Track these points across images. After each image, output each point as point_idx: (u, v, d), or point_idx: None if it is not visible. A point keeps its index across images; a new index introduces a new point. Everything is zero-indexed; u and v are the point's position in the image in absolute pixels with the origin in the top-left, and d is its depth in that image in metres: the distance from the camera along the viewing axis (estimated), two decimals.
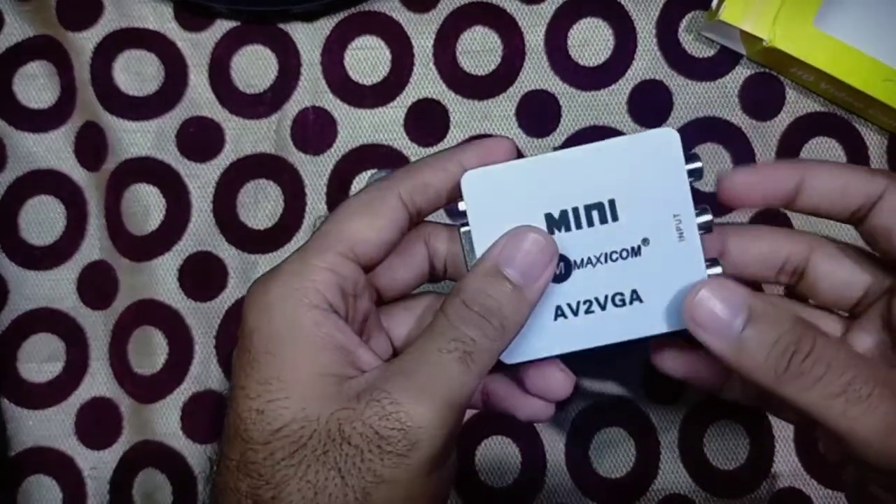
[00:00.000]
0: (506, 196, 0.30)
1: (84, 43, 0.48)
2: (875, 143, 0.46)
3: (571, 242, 0.30)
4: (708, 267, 0.30)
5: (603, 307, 0.30)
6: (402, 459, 0.26)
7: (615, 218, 0.30)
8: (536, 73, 0.47)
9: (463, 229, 0.30)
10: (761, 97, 0.47)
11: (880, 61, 0.43)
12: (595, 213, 0.30)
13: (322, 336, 0.28)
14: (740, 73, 0.47)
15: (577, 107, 0.47)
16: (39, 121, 0.48)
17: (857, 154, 0.46)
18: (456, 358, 0.27)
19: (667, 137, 0.30)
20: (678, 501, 0.45)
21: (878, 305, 0.31)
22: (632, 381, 0.45)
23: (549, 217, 0.30)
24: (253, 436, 0.27)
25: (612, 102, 0.47)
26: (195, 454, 0.46)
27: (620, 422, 0.45)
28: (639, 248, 0.30)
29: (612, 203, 0.30)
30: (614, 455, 0.45)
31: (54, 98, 0.48)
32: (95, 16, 0.48)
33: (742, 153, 0.46)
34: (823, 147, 0.46)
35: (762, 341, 0.27)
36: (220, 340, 0.46)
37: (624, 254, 0.30)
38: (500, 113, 0.47)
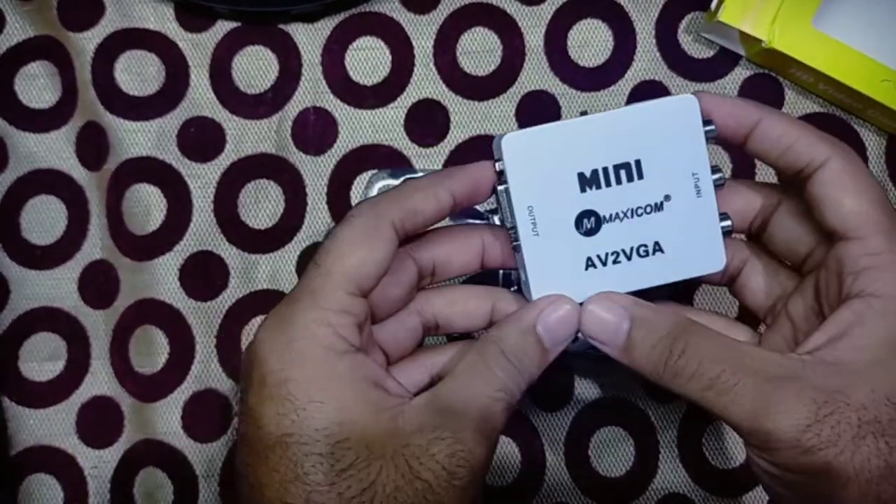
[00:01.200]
0: (541, 157, 0.32)
1: (85, 43, 0.48)
2: (874, 143, 0.47)
3: (601, 199, 0.32)
4: (721, 220, 0.33)
5: (629, 258, 0.33)
6: (465, 493, 0.29)
7: (641, 176, 0.32)
8: (536, 74, 0.47)
9: (500, 187, 0.33)
10: (760, 98, 0.47)
11: (879, 62, 0.44)
12: (623, 172, 0.32)
13: (361, 378, 0.30)
14: (739, 74, 0.47)
15: (577, 107, 0.47)
16: (41, 121, 0.48)
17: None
18: (503, 408, 0.30)
19: (687, 102, 0.32)
20: (677, 500, 0.45)
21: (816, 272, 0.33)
22: (631, 380, 0.46)
23: (580, 176, 0.32)
24: (316, 479, 0.28)
25: (611, 103, 0.47)
26: (196, 453, 0.46)
27: (620, 421, 0.46)
28: (661, 203, 0.32)
29: (637, 163, 0.32)
30: (613, 454, 0.45)
31: (55, 98, 0.48)
32: (96, 16, 0.48)
33: (742, 153, 0.46)
34: None
35: (644, 344, 0.31)
36: (221, 340, 0.46)
37: (648, 209, 0.32)
38: (500, 113, 0.47)
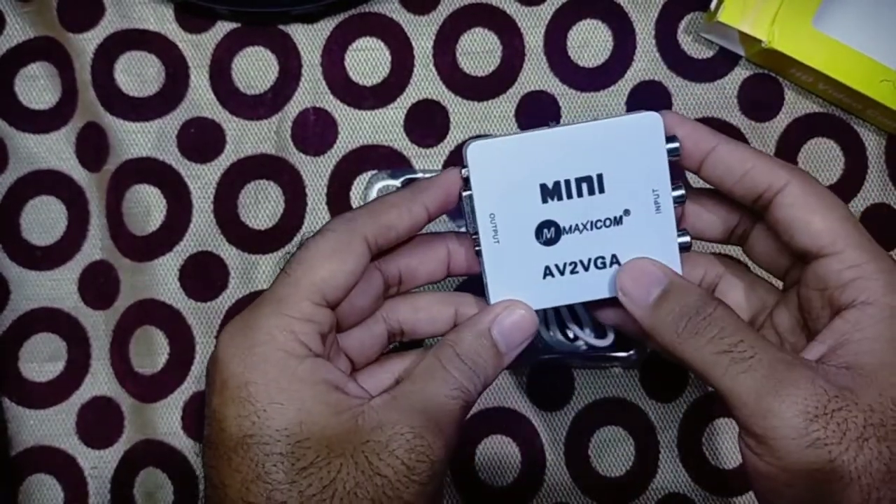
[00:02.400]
0: (505, 166, 0.33)
1: (85, 44, 0.48)
2: (873, 143, 0.47)
3: (562, 210, 0.33)
4: (679, 237, 0.33)
5: (587, 269, 0.34)
6: (424, 488, 0.29)
7: (602, 190, 0.33)
8: (536, 74, 0.47)
9: (465, 193, 0.33)
10: (760, 98, 0.47)
11: (878, 62, 0.44)
12: (584, 185, 0.33)
13: (321, 381, 0.30)
14: (739, 74, 0.47)
15: (577, 108, 0.47)
16: (41, 122, 0.48)
17: (855, 154, 0.46)
18: (459, 406, 0.31)
19: (651, 120, 0.33)
20: (677, 500, 0.45)
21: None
22: (631, 380, 0.46)
23: (543, 187, 0.33)
24: (277, 478, 0.29)
25: (611, 103, 0.47)
26: (196, 453, 0.46)
27: (620, 421, 0.46)
28: (621, 217, 0.33)
29: (599, 177, 0.33)
30: (614, 454, 0.45)
31: (55, 99, 0.48)
32: (96, 17, 0.48)
33: None
34: (822, 148, 0.47)
35: (670, 307, 0.31)
36: None
37: (608, 222, 0.33)
38: (499, 114, 0.47)
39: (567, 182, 0.33)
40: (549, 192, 0.33)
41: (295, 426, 0.29)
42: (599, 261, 0.34)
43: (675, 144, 0.33)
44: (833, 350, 0.30)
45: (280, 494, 0.28)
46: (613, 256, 0.33)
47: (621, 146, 0.33)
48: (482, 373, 0.32)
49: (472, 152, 0.33)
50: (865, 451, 0.28)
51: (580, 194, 0.33)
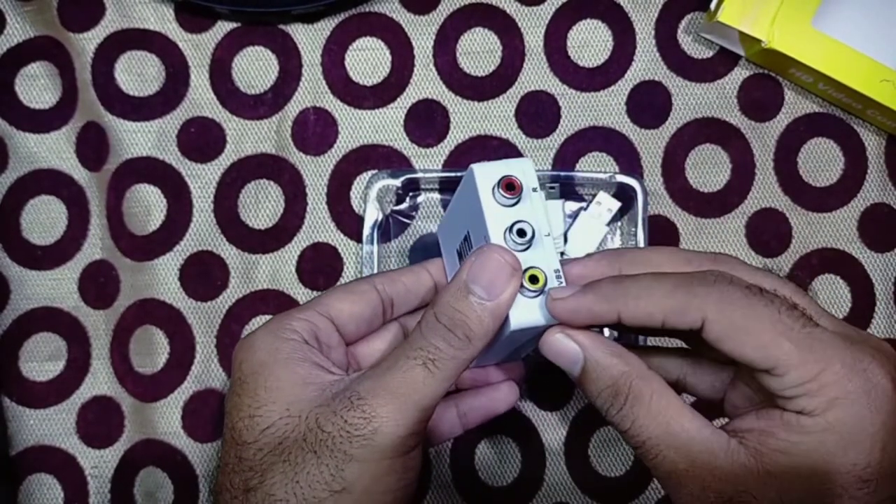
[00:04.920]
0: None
1: (85, 44, 0.48)
2: (873, 143, 0.47)
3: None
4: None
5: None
6: (368, 441, 0.30)
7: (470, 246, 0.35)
8: (536, 74, 0.47)
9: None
10: (760, 98, 0.47)
11: (878, 62, 0.44)
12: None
13: (299, 355, 0.33)
14: (739, 74, 0.47)
15: (577, 107, 0.47)
16: (41, 121, 0.48)
17: (855, 154, 0.46)
18: (419, 364, 0.31)
19: (469, 174, 0.34)
20: None
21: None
22: None
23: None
24: (245, 438, 0.32)
25: (611, 103, 0.47)
26: (196, 453, 0.46)
27: None
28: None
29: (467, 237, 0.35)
30: (613, 453, 0.45)
31: (56, 98, 0.48)
32: (97, 17, 0.48)
33: (740, 154, 0.47)
34: (822, 148, 0.47)
35: (591, 386, 0.31)
36: (221, 339, 0.46)
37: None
38: (499, 114, 0.47)
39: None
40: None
41: (262, 390, 0.32)
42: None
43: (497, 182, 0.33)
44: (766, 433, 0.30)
45: (245, 451, 0.31)
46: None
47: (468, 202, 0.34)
48: (462, 327, 0.31)
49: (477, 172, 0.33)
50: None
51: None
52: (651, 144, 0.47)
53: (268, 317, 0.46)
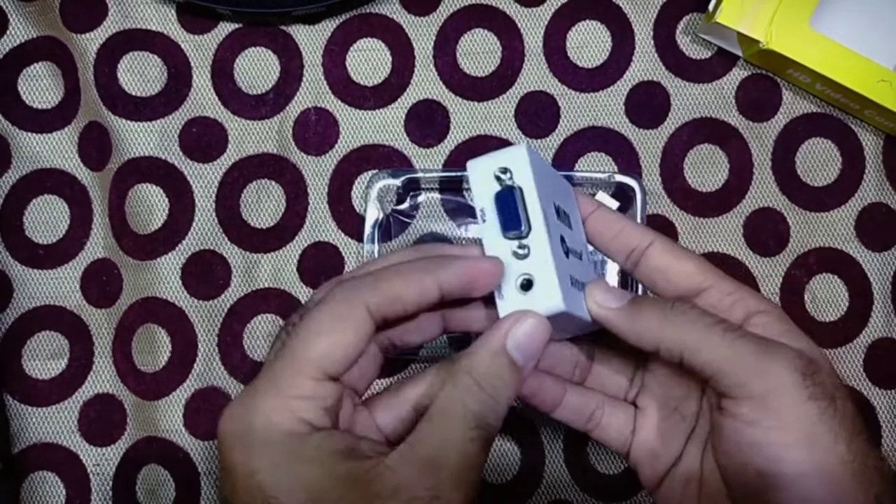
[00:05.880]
0: (539, 176, 0.33)
1: (88, 44, 0.48)
2: (870, 143, 0.47)
3: (564, 231, 0.34)
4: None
5: (580, 288, 0.34)
6: None
7: (570, 226, 0.35)
8: (535, 75, 0.48)
9: (504, 185, 0.33)
10: (758, 98, 0.47)
11: (876, 62, 0.44)
12: (567, 217, 0.34)
13: (328, 455, 0.29)
14: (737, 75, 0.47)
15: (576, 108, 0.47)
16: (44, 121, 0.48)
17: (852, 154, 0.47)
18: (480, 446, 0.29)
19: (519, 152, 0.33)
20: None
21: None
22: None
23: (555, 205, 0.34)
24: None
25: (610, 104, 0.47)
26: (198, 450, 0.46)
27: None
28: (580, 254, 0.35)
29: (566, 214, 0.35)
30: (612, 451, 0.46)
31: (58, 99, 0.48)
32: (99, 17, 0.48)
33: (739, 154, 0.47)
34: (819, 148, 0.47)
35: (650, 301, 0.33)
36: (222, 338, 0.47)
37: (578, 255, 0.35)
38: (499, 114, 0.47)
39: (558, 209, 0.34)
40: (558, 212, 0.34)
41: None
42: (580, 284, 0.34)
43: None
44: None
45: None
46: (582, 284, 0.34)
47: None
48: (503, 397, 0.30)
49: (528, 152, 0.33)
50: (839, 405, 0.30)
51: (567, 224, 0.34)
52: (650, 144, 0.47)
53: (269, 316, 0.47)
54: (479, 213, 0.33)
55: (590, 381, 0.38)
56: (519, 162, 0.32)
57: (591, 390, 0.37)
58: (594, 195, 0.45)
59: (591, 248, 0.36)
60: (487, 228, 0.33)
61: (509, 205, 0.32)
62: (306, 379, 0.29)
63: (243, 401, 0.30)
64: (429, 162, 0.47)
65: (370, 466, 0.29)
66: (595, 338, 0.37)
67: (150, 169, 0.48)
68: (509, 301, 0.32)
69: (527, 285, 0.32)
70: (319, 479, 0.28)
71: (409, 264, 0.32)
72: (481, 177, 0.33)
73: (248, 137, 0.48)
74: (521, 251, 0.32)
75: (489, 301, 0.34)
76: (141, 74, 0.48)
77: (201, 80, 0.48)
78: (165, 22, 0.48)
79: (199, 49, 0.48)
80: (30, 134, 0.48)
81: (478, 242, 0.33)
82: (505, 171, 0.32)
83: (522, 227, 0.32)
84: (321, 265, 0.47)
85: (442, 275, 0.31)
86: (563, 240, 0.33)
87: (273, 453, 0.28)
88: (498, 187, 0.32)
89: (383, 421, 0.33)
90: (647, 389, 0.37)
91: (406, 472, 0.28)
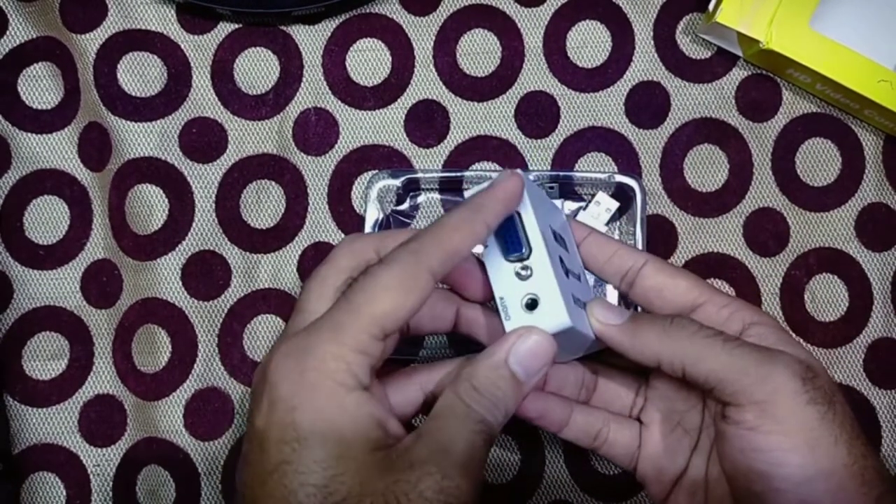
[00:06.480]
0: (534, 199, 0.35)
1: (88, 44, 0.48)
2: (870, 143, 0.47)
3: (561, 252, 0.35)
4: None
5: (582, 307, 0.35)
6: None
7: (566, 249, 0.36)
8: (535, 75, 0.48)
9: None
10: (758, 98, 0.47)
11: (876, 62, 0.44)
12: (562, 238, 0.36)
13: (366, 415, 0.30)
14: (737, 75, 0.47)
15: (576, 108, 0.47)
16: (44, 121, 0.48)
17: (852, 154, 0.47)
18: (483, 440, 0.31)
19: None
20: None
21: None
22: None
23: (551, 228, 0.35)
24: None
25: (610, 104, 0.47)
26: (198, 451, 0.46)
27: None
28: (579, 276, 0.37)
29: (562, 238, 0.36)
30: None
31: (58, 99, 0.48)
32: (99, 18, 0.48)
33: (738, 154, 0.47)
34: (819, 148, 0.47)
35: (649, 317, 0.34)
36: (222, 338, 0.47)
37: (577, 276, 0.36)
38: (499, 114, 0.47)
39: (554, 232, 0.35)
40: (554, 235, 0.35)
41: (332, 459, 0.29)
42: (581, 303, 0.35)
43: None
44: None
45: None
46: (584, 303, 0.35)
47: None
48: (502, 405, 0.32)
49: (524, 178, 0.34)
50: (838, 409, 0.31)
51: (564, 247, 0.35)
52: (649, 144, 0.47)
53: (269, 316, 0.47)
54: None
55: (595, 400, 0.38)
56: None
57: (596, 409, 0.38)
58: (594, 195, 0.45)
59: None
60: (489, 253, 0.34)
61: (509, 229, 0.34)
62: (367, 335, 0.30)
63: (300, 342, 0.31)
64: (429, 162, 0.47)
65: (392, 442, 0.31)
66: (597, 357, 0.38)
67: (150, 169, 0.48)
68: (516, 321, 0.34)
69: (532, 305, 0.33)
70: (350, 435, 0.29)
71: (456, 214, 0.32)
72: None
73: (247, 138, 0.48)
74: (523, 272, 0.33)
75: (495, 310, 0.35)
76: (141, 75, 0.48)
77: (201, 80, 0.48)
78: (165, 22, 0.48)
79: (199, 49, 0.48)
80: (30, 134, 0.48)
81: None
82: None
83: (523, 249, 0.33)
84: None
85: (486, 215, 0.32)
86: (561, 261, 0.34)
87: (318, 398, 0.30)
88: None
89: (394, 400, 0.34)
90: (650, 405, 0.37)
91: (419, 452, 0.30)
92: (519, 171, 0.34)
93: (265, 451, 0.30)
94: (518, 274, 0.33)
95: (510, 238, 0.34)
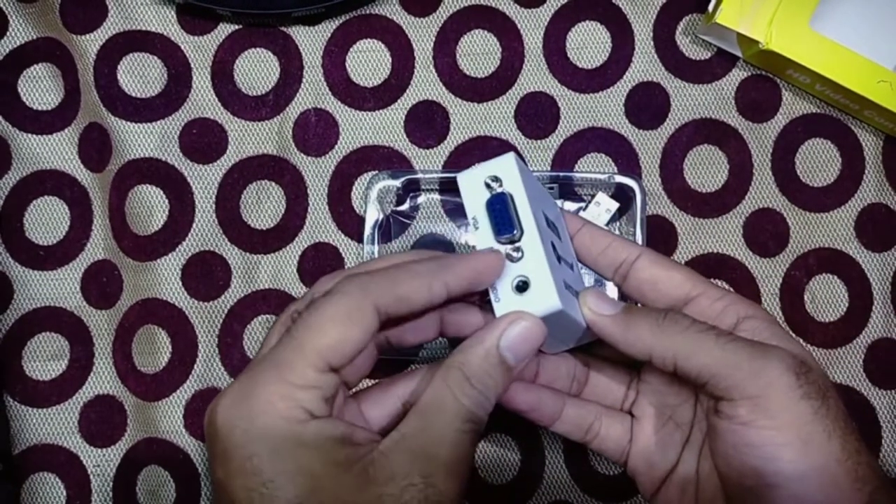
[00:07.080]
0: (528, 186, 0.34)
1: (88, 45, 0.48)
2: (870, 144, 0.47)
3: (553, 239, 0.35)
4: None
5: (574, 294, 0.35)
6: None
7: (560, 238, 0.36)
8: (535, 76, 0.48)
9: (496, 192, 0.34)
10: (757, 99, 0.47)
11: (876, 63, 0.44)
12: (555, 227, 0.36)
13: (327, 440, 0.29)
14: (736, 76, 0.47)
15: (576, 109, 0.47)
16: (44, 122, 0.48)
17: (852, 155, 0.47)
18: (471, 439, 0.31)
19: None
20: None
21: None
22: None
23: (544, 214, 0.34)
24: None
25: (609, 104, 0.47)
26: (199, 451, 0.46)
27: None
28: (572, 265, 0.36)
29: (555, 226, 0.36)
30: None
31: (58, 100, 0.48)
32: (99, 19, 0.48)
33: (738, 154, 0.47)
34: (819, 148, 0.47)
35: (642, 311, 0.34)
36: (223, 339, 0.47)
37: (569, 265, 0.36)
38: (499, 115, 0.48)
39: (546, 218, 0.35)
40: (547, 221, 0.35)
41: (307, 493, 0.28)
42: (573, 290, 0.34)
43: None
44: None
45: None
46: (576, 291, 0.35)
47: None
48: (492, 394, 0.32)
49: (516, 160, 0.34)
50: (832, 405, 0.31)
51: (557, 235, 0.35)
52: (649, 145, 0.47)
53: (269, 317, 0.47)
54: (471, 222, 0.34)
55: (586, 393, 0.38)
56: (507, 170, 0.34)
57: (588, 402, 0.38)
58: (594, 196, 0.45)
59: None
60: (480, 235, 0.34)
61: (501, 209, 0.33)
62: (311, 369, 0.30)
63: (244, 386, 0.30)
64: (428, 163, 0.47)
65: (365, 453, 0.30)
66: (589, 349, 0.37)
67: (151, 170, 0.48)
68: (505, 303, 0.33)
69: (522, 286, 0.33)
70: (318, 465, 0.29)
71: (417, 265, 0.32)
72: (472, 187, 0.34)
73: (247, 138, 0.48)
74: (515, 254, 0.33)
75: (485, 307, 0.34)
76: (141, 76, 0.48)
77: (201, 81, 0.48)
78: (165, 23, 0.48)
79: (199, 50, 0.48)
80: (30, 135, 0.48)
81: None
82: (495, 179, 0.34)
83: (515, 230, 0.33)
84: (321, 266, 0.47)
85: (449, 276, 0.32)
86: (554, 248, 0.34)
87: (273, 439, 0.29)
88: (488, 194, 0.34)
89: (371, 414, 0.34)
90: (642, 398, 0.37)
91: (400, 459, 0.30)
92: (513, 154, 0.34)
93: (234, 500, 0.29)
94: (509, 255, 0.33)
95: (502, 219, 0.33)
